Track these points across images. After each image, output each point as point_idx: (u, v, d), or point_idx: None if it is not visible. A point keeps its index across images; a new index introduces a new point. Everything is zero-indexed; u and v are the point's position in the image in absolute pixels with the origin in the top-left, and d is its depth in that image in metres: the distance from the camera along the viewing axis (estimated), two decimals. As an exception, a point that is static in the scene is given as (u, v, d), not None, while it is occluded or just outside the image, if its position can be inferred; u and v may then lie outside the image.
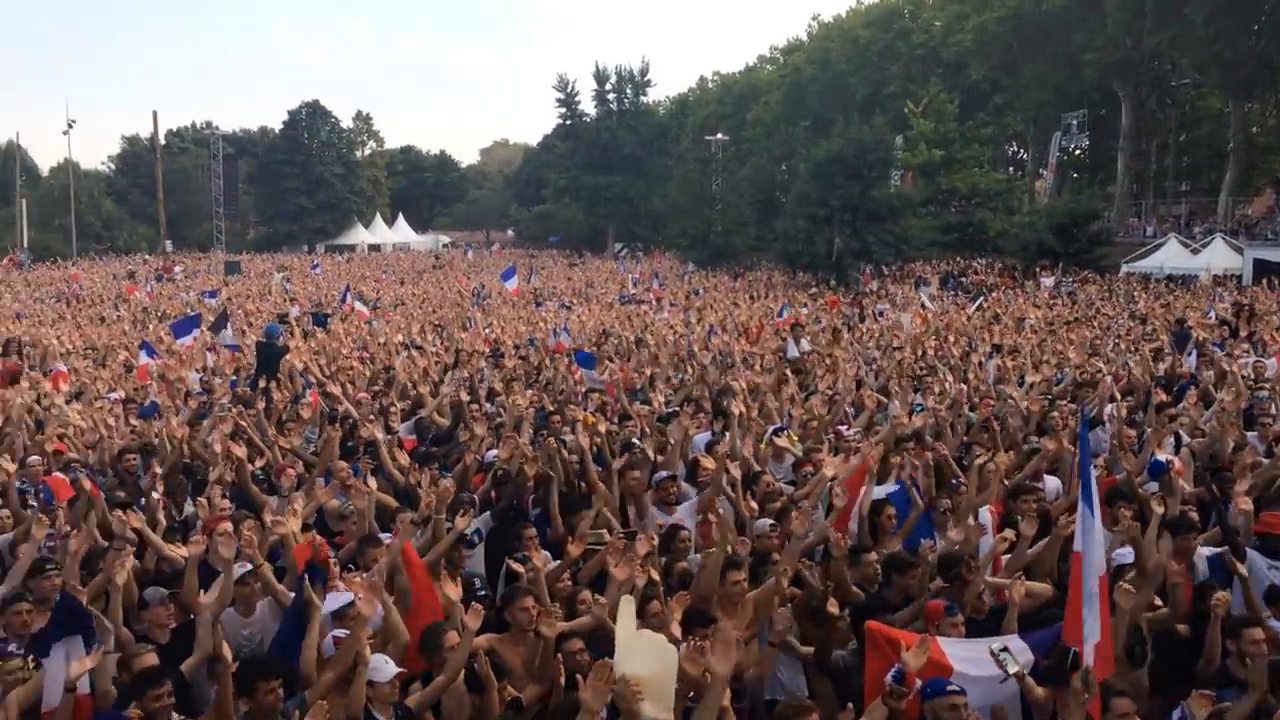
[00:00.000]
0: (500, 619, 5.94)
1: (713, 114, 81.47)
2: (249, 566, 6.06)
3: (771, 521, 7.32)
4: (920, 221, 43.82)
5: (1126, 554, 6.51)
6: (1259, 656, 5.31)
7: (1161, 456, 8.28)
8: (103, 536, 6.93)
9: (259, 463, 9.43)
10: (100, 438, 10.36)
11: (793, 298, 31.00)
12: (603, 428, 9.34)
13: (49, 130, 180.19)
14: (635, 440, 9.31)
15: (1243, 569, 6.44)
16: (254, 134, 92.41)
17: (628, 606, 4.85)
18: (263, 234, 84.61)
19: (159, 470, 8.54)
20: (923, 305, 26.57)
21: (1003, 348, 16.12)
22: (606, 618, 5.59)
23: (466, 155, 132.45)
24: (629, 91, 72.95)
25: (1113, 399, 11.01)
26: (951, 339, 17.38)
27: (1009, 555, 6.72)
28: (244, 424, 10.34)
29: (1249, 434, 9.83)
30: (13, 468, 8.24)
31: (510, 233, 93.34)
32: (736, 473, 7.92)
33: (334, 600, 5.72)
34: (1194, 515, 7.45)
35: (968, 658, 5.28)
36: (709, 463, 7.93)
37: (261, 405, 11.76)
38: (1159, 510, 6.59)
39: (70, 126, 70.93)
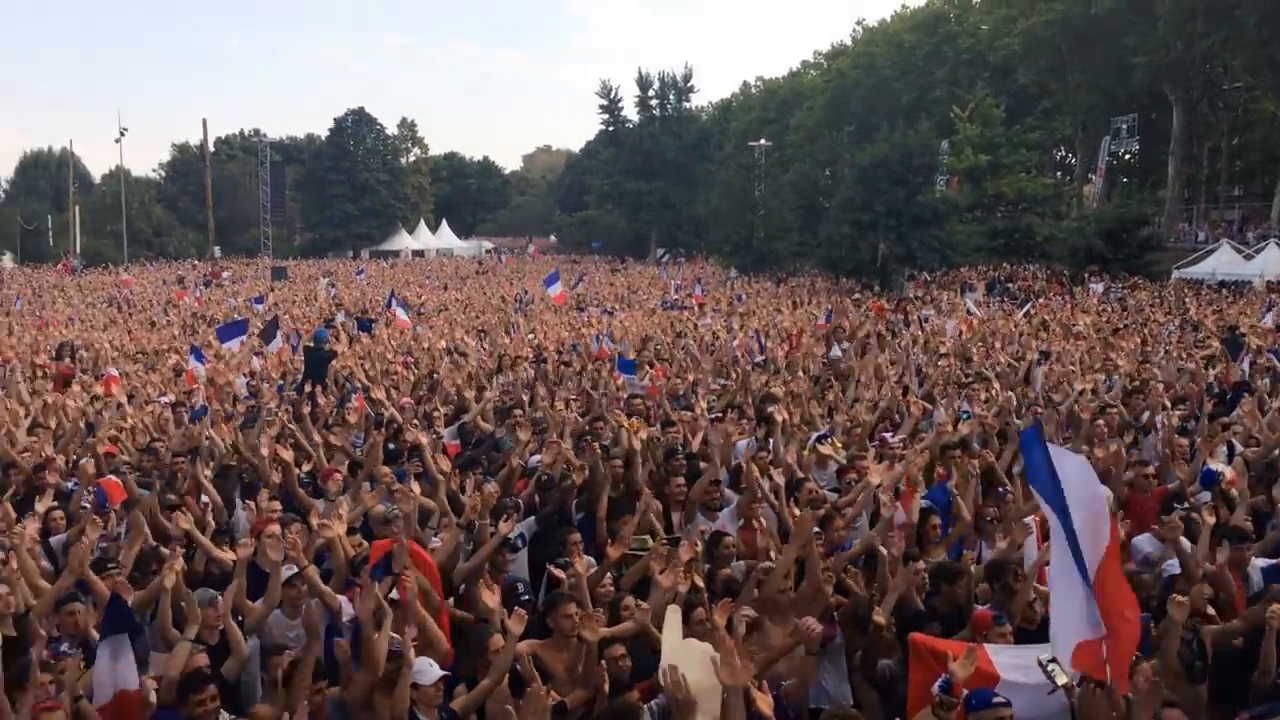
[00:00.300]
0: (543, 624, 5.95)
1: (756, 119, 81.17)
2: (295, 569, 6.12)
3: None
4: (966, 227, 43.39)
5: (1176, 565, 6.41)
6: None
7: (1214, 466, 8.14)
8: (154, 538, 7.05)
9: (305, 467, 9.53)
10: (151, 439, 10.52)
11: (836, 304, 30.78)
12: (644, 433, 9.33)
13: (101, 138, 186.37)
14: (679, 446, 9.29)
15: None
16: (301, 141, 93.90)
17: (675, 615, 4.84)
18: (309, 240, 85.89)
19: (207, 473, 8.67)
20: (968, 311, 26.26)
21: (1051, 354, 15.91)
22: (649, 623, 5.58)
23: (510, 161, 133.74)
24: (672, 97, 73.09)
25: (1163, 407, 10.84)
26: (999, 345, 17.17)
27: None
28: (291, 427, 10.44)
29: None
30: (92, 470, 8.46)
31: (552, 238, 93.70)
32: (780, 480, 7.88)
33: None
34: (1248, 525, 7.31)
35: (1016, 665, 5.20)
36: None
37: (308, 409, 11.89)
38: (1209, 520, 6.47)
39: (122, 135, 72.98)
